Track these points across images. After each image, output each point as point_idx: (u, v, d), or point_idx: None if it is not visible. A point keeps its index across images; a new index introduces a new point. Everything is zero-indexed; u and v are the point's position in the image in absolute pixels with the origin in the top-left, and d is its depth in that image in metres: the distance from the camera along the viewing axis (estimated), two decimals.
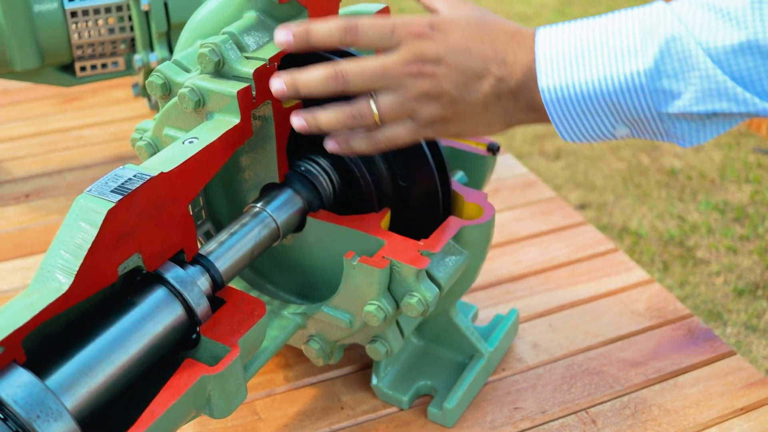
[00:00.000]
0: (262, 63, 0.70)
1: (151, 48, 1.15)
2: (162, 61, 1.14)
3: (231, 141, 0.70)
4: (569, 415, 0.83)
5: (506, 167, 1.26)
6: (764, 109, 0.58)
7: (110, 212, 0.59)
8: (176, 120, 0.73)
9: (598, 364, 0.89)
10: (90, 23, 1.14)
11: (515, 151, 2.36)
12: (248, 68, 0.70)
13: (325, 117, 0.66)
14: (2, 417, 0.54)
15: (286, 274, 0.83)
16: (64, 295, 0.57)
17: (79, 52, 1.16)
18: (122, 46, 1.19)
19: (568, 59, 0.60)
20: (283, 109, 0.74)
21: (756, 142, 2.32)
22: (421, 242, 0.73)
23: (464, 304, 0.94)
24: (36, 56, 1.13)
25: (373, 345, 0.77)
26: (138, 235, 0.62)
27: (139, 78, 1.25)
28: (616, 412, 0.83)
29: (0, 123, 1.40)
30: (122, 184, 0.62)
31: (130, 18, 1.16)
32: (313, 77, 0.64)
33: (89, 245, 0.58)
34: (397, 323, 0.78)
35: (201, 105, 0.71)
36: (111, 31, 1.16)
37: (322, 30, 0.64)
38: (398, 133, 0.65)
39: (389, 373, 0.85)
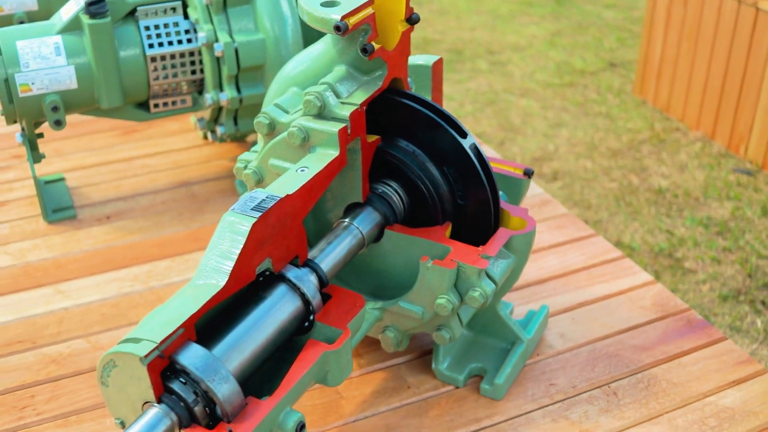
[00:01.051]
0: (355, 107, 0.88)
1: (221, 88, 1.33)
2: (232, 100, 1.32)
3: (332, 169, 0.88)
4: (595, 389, 1.01)
5: None
6: None
7: (254, 226, 0.77)
8: (282, 153, 0.92)
9: (614, 349, 1.07)
10: (166, 67, 1.32)
11: None
12: (345, 112, 0.88)
13: None
14: (184, 381, 0.71)
15: (362, 277, 1.01)
16: (221, 290, 0.75)
17: (154, 92, 1.34)
18: (191, 86, 1.37)
19: None
20: (367, 143, 0.93)
21: (735, 163, 2.53)
22: (480, 248, 0.92)
23: (502, 301, 1.12)
24: (120, 96, 1.31)
25: (439, 332, 0.95)
26: (270, 243, 0.80)
27: (205, 113, 1.42)
28: (632, 386, 1.01)
29: (70, 153, 1.57)
30: (259, 203, 0.80)
31: (201, 62, 1.34)
32: None
33: (239, 251, 0.76)
34: (458, 315, 0.96)
35: (306, 140, 0.89)
36: (184, 73, 1.34)
37: None
38: None
39: (446, 358, 1.02)
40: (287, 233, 0.83)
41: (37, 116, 1.29)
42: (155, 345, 0.69)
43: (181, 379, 0.71)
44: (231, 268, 0.76)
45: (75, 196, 1.43)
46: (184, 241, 1.30)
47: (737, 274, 2.08)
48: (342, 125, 0.88)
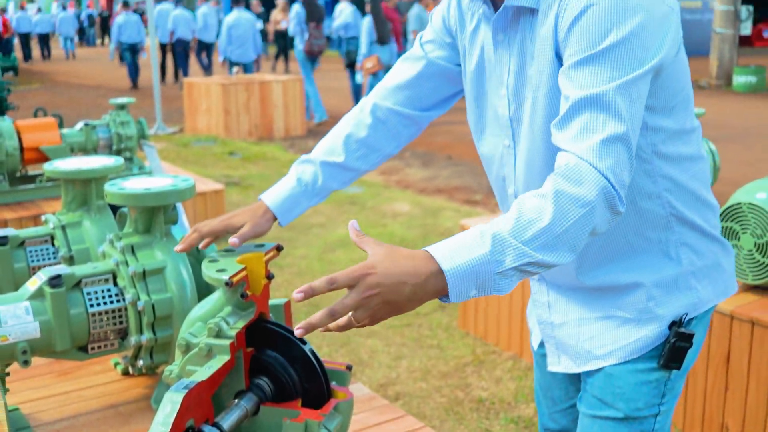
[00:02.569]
0: (238, 330, 1.50)
1: (141, 332, 1.91)
2: (149, 339, 1.90)
3: (226, 367, 1.47)
4: None
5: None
6: (542, 259, 1.14)
7: (184, 397, 1.35)
8: (195, 361, 1.50)
9: None
10: (103, 320, 1.90)
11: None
12: (232, 333, 1.50)
13: (318, 315, 1.37)
14: None
15: None
16: None
17: (93, 338, 1.91)
18: (117, 334, 1.94)
19: (452, 255, 1.12)
20: (246, 352, 1.53)
21: None
22: (319, 411, 1.51)
23: None
24: (69, 342, 1.86)
25: None
26: (192, 410, 1.37)
27: (128, 352, 1.96)
28: None
29: (21, 391, 2.06)
30: (186, 385, 1.38)
31: (126, 315, 1.93)
32: (318, 316, 1.23)
33: (175, 413, 1.33)
34: None
35: (209, 352, 1.49)
36: (114, 324, 1.92)
37: (318, 285, 1.15)
38: (364, 321, 1.17)
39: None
40: (202, 404, 1.40)
41: (9, 358, 1.82)
42: None
43: None
44: (171, 424, 1.32)
45: (30, 419, 1.92)
46: None
47: None
48: (231, 341, 1.49)
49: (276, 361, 1.56)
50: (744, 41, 25.38)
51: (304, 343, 1.56)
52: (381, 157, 1.67)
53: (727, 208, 2.83)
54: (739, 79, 15.07)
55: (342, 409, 1.55)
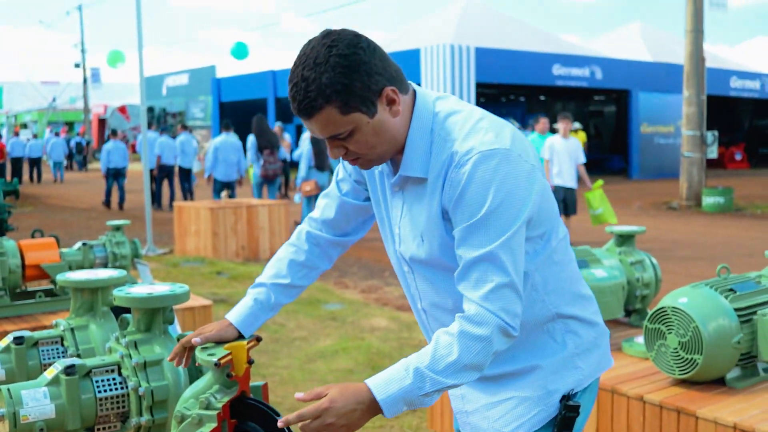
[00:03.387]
0: (223, 403, 1.86)
1: (141, 414, 2.26)
2: (148, 420, 2.24)
3: None
4: None
5: None
6: (454, 383, 1.65)
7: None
8: (188, 429, 1.85)
9: None
10: (109, 404, 2.25)
11: None
12: (219, 404, 1.85)
13: None
14: None
15: None
16: None
17: (99, 420, 2.25)
18: (119, 417, 2.28)
19: (386, 387, 1.63)
20: (231, 422, 1.88)
21: None
22: None
23: None
24: (79, 422, 2.20)
25: None
26: None
27: None
28: None
29: None
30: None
31: (127, 400, 2.27)
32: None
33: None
34: None
35: (200, 421, 1.84)
36: (117, 407, 2.26)
37: (291, 418, 1.66)
38: None
39: None
40: None
41: None
42: None
43: None
44: None
45: None
46: None
47: None
48: (217, 411, 1.84)
49: (255, 430, 1.91)
50: (716, 164, 26.51)
51: (278, 415, 1.92)
52: (318, 273, 2.10)
53: (655, 311, 3.23)
54: (708, 200, 15.76)
55: None
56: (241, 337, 2.01)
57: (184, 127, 16.46)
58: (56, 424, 2.19)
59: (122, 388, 2.29)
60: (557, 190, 10.11)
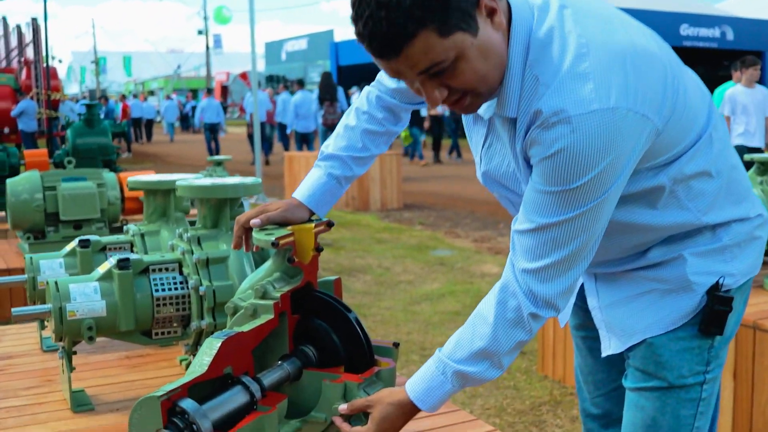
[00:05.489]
0: (283, 293, 1.53)
1: (202, 317, 1.97)
2: (209, 325, 1.95)
3: (269, 325, 1.50)
4: None
5: None
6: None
7: (223, 342, 1.38)
8: (241, 321, 1.53)
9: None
10: (166, 305, 1.97)
11: None
12: (277, 294, 1.53)
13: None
14: (179, 418, 1.27)
15: (291, 408, 1.57)
16: (202, 374, 1.34)
17: (157, 322, 1.97)
18: (180, 321, 2.00)
19: (427, 398, 1.43)
20: (291, 317, 1.56)
21: None
22: (360, 375, 1.51)
23: None
24: (133, 322, 1.93)
25: None
26: (231, 357, 1.40)
27: (189, 340, 2.02)
28: None
29: (88, 378, 2.14)
30: (226, 334, 1.41)
31: (189, 302, 1.99)
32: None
33: (213, 357, 1.36)
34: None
35: (255, 313, 1.52)
36: (177, 310, 1.98)
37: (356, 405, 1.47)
38: None
39: None
40: (242, 356, 1.43)
41: (76, 335, 1.90)
42: (165, 392, 1.26)
43: (178, 416, 1.27)
44: (208, 365, 1.35)
45: (93, 400, 1.99)
46: None
47: None
48: (275, 301, 1.52)
49: (321, 328, 1.57)
50: None
51: (350, 311, 1.58)
52: (391, 139, 1.78)
53: None
54: None
55: (383, 377, 1.55)
56: (310, 220, 1.68)
57: (300, 85, 16.60)
58: (107, 323, 1.93)
59: (183, 287, 2.01)
60: (740, 150, 8.46)
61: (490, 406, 3.34)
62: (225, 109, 28.18)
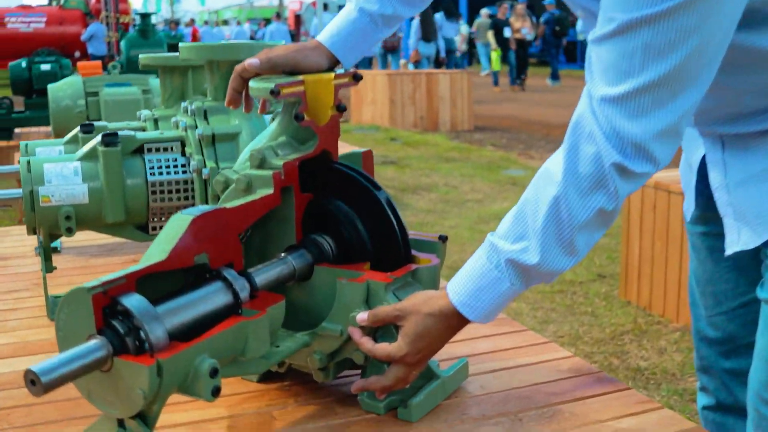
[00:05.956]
0: (289, 161, 1.12)
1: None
2: None
3: (267, 202, 1.10)
4: (502, 417, 1.13)
5: None
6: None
7: (193, 220, 0.98)
8: (232, 198, 1.14)
9: (527, 393, 1.20)
10: (164, 192, 1.59)
11: None
12: (280, 162, 1.12)
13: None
14: (122, 319, 0.88)
15: (296, 315, 1.18)
16: (161, 262, 0.95)
17: (153, 213, 1.60)
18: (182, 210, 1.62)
19: (476, 302, 1.02)
20: (300, 194, 1.15)
21: None
22: (388, 274, 1.10)
23: None
24: (122, 213, 1.56)
25: (357, 352, 1.11)
26: (207, 241, 1.01)
27: None
28: (538, 415, 1.13)
29: None
30: (201, 210, 1.01)
31: (192, 189, 1.60)
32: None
33: (179, 236, 0.97)
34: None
35: (249, 186, 1.12)
36: (178, 199, 1.60)
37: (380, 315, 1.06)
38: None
39: (370, 392, 1.16)
40: (224, 239, 1.03)
41: (52, 225, 1.54)
42: (100, 283, 0.88)
43: (120, 317, 0.89)
44: (171, 248, 0.96)
45: None
46: None
47: None
48: (275, 171, 1.11)
49: (341, 211, 1.17)
50: None
51: (379, 189, 1.16)
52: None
53: None
54: None
55: (422, 277, 1.14)
56: (331, 69, 1.26)
57: None
58: (90, 213, 1.56)
59: (184, 171, 1.62)
60: None
61: (564, 333, 2.92)
62: (294, 36, 27.90)
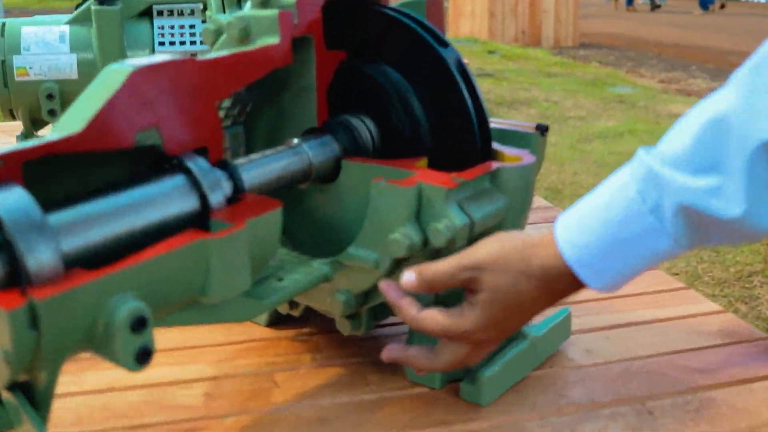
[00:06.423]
0: None
1: None
2: None
3: (269, 57, 0.70)
4: (622, 405, 0.73)
5: None
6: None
7: (132, 75, 0.60)
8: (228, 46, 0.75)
9: (659, 367, 0.79)
10: None
11: None
12: (293, 1, 0.72)
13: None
14: None
15: (314, 230, 0.80)
16: (74, 137, 0.57)
17: None
18: None
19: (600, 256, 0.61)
20: (325, 53, 0.76)
21: None
22: (452, 175, 0.70)
23: None
24: None
25: None
26: (159, 110, 0.62)
27: None
28: (677, 407, 0.73)
29: None
30: (154, 61, 0.63)
31: None
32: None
33: (107, 99, 0.59)
34: None
35: (247, 34, 0.73)
36: None
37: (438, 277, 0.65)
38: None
39: None
40: (190, 108, 0.65)
41: (32, 106, 1.19)
42: None
43: None
44: (91, 116, 0.59)
45: None
46: None
47: None
48: (283, 10, 0.71)
49: (387, 79, 0.76)
50: None
51: (446, 45, 0.75)
52: None
53: None
54: None
55: (506, 183, 0.73)
56: None
57: None
58: (79, 91, 1.20)
59: (202, 43, 1.24)
60: None
61: (679, 270, 2.46)
62: None
